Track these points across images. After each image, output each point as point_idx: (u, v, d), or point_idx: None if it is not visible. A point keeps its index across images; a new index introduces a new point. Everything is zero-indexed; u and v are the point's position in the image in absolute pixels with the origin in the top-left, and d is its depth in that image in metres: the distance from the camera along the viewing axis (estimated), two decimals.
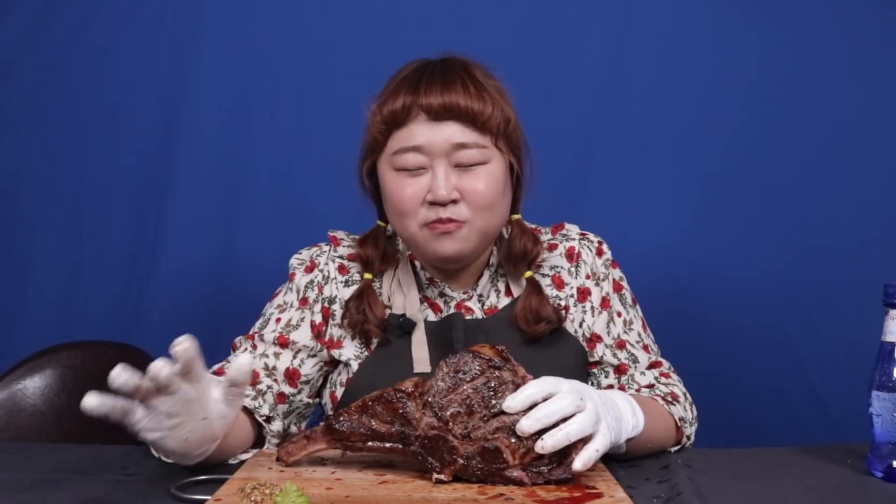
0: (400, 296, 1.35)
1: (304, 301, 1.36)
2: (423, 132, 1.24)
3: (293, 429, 1.36)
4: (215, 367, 1.30)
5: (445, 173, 1.24)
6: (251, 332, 1.36)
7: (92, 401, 0.94)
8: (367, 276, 1.35)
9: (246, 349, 1.33)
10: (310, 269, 1.38)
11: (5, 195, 2.18)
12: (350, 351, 1.34)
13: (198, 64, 2.16)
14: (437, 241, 1.27)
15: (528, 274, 1.35)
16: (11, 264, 2.17)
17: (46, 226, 2.17)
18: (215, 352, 1.36)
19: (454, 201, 1.25)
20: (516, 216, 1.37)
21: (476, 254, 1.33)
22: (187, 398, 1.01)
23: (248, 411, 1.25)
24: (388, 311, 1.33)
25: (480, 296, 1.37)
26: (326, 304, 1.36)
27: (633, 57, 2.11)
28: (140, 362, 1.85)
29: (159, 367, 0.95)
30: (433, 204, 1.25)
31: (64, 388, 1.70)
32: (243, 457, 1.22)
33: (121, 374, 0.94)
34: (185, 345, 0.97)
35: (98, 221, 2.17)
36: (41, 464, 1.22)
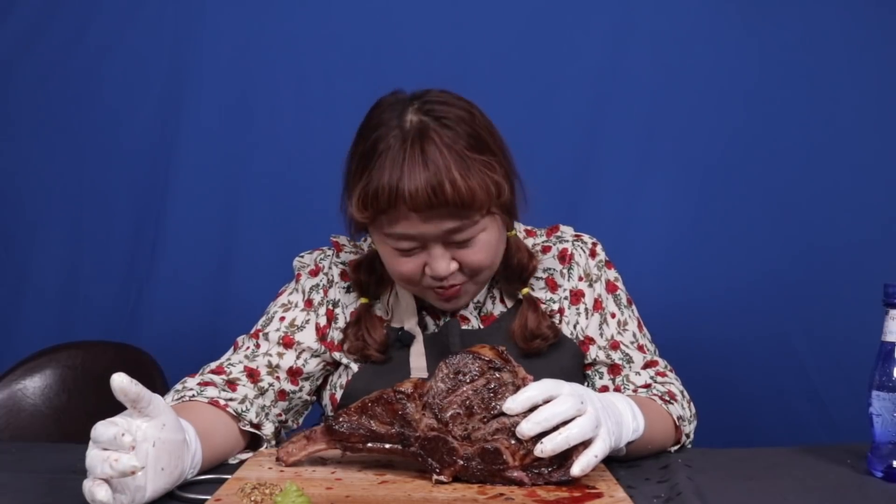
0: (399, 309, 1.36)
1: (308, 303, 1.36)
2: (413, 225, 1.20)
3: (290, 424, 1.36)
4: (213, 364, 1.31)
5: (443, 254, 1.23)
6: (255, 330, 1.36)
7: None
8: (364, 300, 1.35)
9: (249, 347, 1.33)
10: (315, 273, 1.39)
11: (5, 195, 2.18)
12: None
13: (198, 64, 2.16)
14: (441, 301, 1.30)
15: (525, 291, 1.36)
16: (11, 264, 2.17)
17: (46, 226, 2.17)
18: (215, 352, 1.37)
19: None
20: (511, 233, 1.36)
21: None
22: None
23: (235, 416, 1.25)
24: (386, 324, 1.34)
25: (477, 302, 1.37)
26: (330, 307, 1.36)
27: (633, 57, 2.11)
28: (140, 362, 1.86)
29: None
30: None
31: (64, 388, 1.70)
32: (243, 457, 1.22)
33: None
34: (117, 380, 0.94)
35: (98, 221, 2.18)
36: (41, 464, 1.22)
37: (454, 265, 1.24)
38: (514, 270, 1.35)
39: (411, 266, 1.25)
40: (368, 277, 1.35)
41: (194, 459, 1.07)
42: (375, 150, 1.19)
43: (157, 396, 1.00)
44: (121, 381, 0.94)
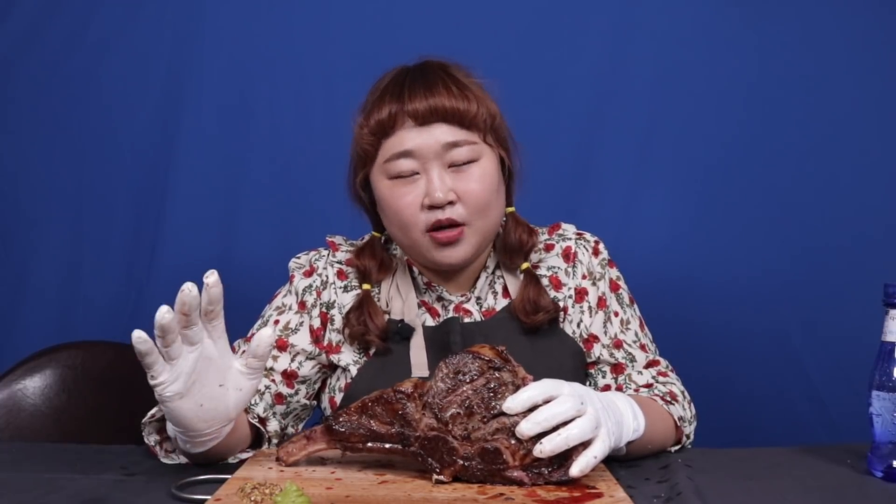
0: (398, 301, 1.35)
1: (302, 305, 1.36)
2: (412, 137, 1.25)
3: (290, 430, 1.36)
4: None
5: (440, 175, 1.25)
6: (250, 334, 1.36)
7: (141, 334, 0.99)
8: (366, 286, 1.35)
9: (244, 352, 1.33)
10: (308, 274, 1.38)
11: (5, 195, 2.18)
12: (349, 356, 1.34)
13: (198, 64, 2.16)
14: (441, 250, 1.28)
15: (525, 265, 1.36)
16: (11, 264, 2.17)
17: (46, 226, 2.17)
18: None
19: (451, 202, 1.25)
20: (510, 209, 1.38)
21: (478, 255, 1.33)
22: (208, 355, 1.04)
23: (244, 410, 1.25)
24: (386, 317, 1.34)
25: (479, 298, 1.37)
26: (324, 309, 1.36)
27: (633, 57, 2.11)
28: (140, 363, 1.84)
29: (191, 285, 1.00)
30: (431, 208, 1.25)
31: (64, 388, 1.70)
32: (243, 456, 1.22)
33: (166, 315, 0.99)
34: (213, 277, 1.01)
35: (98, 221, 2.17)
36: (41, 464, 1.22)
37: (452, 195, 1.25)
38: (514, 246, 1.35)
39: (410, 199, 1.26)
40: (371, 261, 1.35)
41: (221, 428, 1.10)
42: (379, 87, 1.30)
43: (226, 343, 1.07)
44: (216, 279, 1.02)
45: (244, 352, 1.10)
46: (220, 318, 1.04)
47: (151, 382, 1.03)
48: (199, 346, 1.03)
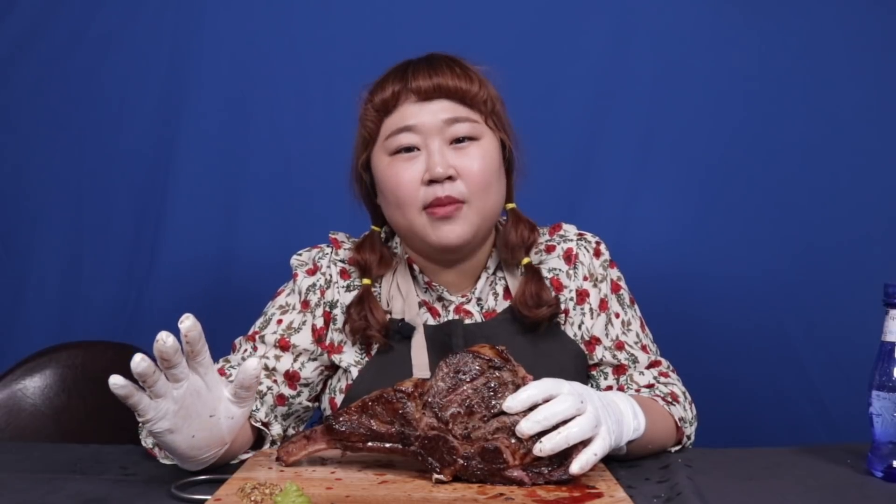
0: (399, 300, 1.35)
1: (305, 304, 1.36)
2: (413, 112, 1.27)
3: (291, 431, 1.36)
4: (214, 366, 1.30)
5: (440, 150, 1.26)
6: (251, 332, 1.36)
7: (118, 380, 0.98)
8: (366, 281, 1.35)
9: (246, 350, 1.33)
10: (312, 272, 1.38)
11: (5, 194, 2.18)
12: (350, 356, 1.34)
13: (198, 64, 2.16)
14: (439, 227, 1.27)
15: (527, 260, 1.36)
16: (11, 264, 2.17)
17: (46, 225, 2.17)
18: (215, 351, 1.36)
19: (451, 178, 1.26)
20: (511, 205, 1.38)
21: (476, 239, 1.32)
22: (195, 388, 1.04)
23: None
24: (387, 316, 1.33)
25: (479, 299, 1.37)
26: (328, 309, 1.36)
27: (633, 57, 2.11)
28: None
29: (165, 335, 0.98)
30: (431, 183, 1.25)
31: (64, 388, 1.70)
32: (243, 457, 1.22)
33: (141, 363, 0.97)
34: (187, 322, 1.00)
35: (98, 221, 2.18)
36: (41, 464, 1.22)
37: (452, 170, 1.26)
38: (516, 243, 1.35)
39: (410, 174, 1.26)
40: (371, 254, 1.35)
41: (217, 450, 1.10)
42: (384, 74, 1.33)
43: (214, 374, 1.07)
44: (190, 323, 1.00)
45: (232, 380, 1.09)
46: (203, 353, 1.04)
47: (139, 420, 1.03)
48: (186, 381, 1.03)
